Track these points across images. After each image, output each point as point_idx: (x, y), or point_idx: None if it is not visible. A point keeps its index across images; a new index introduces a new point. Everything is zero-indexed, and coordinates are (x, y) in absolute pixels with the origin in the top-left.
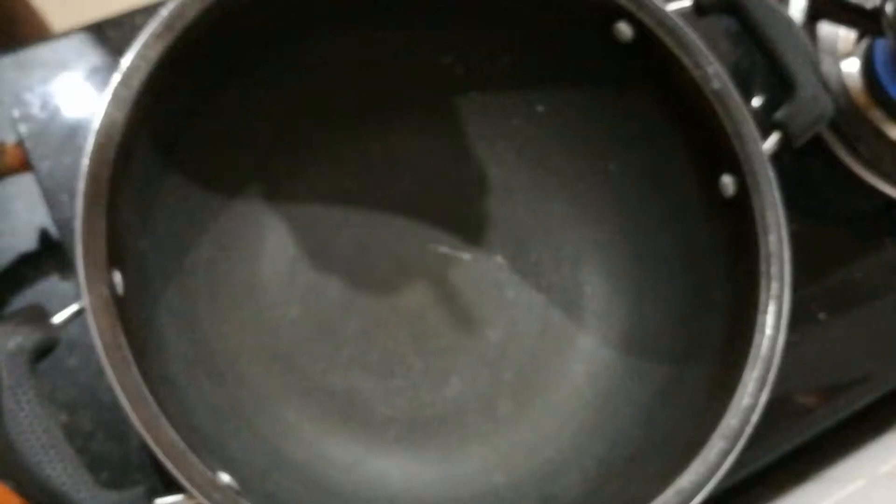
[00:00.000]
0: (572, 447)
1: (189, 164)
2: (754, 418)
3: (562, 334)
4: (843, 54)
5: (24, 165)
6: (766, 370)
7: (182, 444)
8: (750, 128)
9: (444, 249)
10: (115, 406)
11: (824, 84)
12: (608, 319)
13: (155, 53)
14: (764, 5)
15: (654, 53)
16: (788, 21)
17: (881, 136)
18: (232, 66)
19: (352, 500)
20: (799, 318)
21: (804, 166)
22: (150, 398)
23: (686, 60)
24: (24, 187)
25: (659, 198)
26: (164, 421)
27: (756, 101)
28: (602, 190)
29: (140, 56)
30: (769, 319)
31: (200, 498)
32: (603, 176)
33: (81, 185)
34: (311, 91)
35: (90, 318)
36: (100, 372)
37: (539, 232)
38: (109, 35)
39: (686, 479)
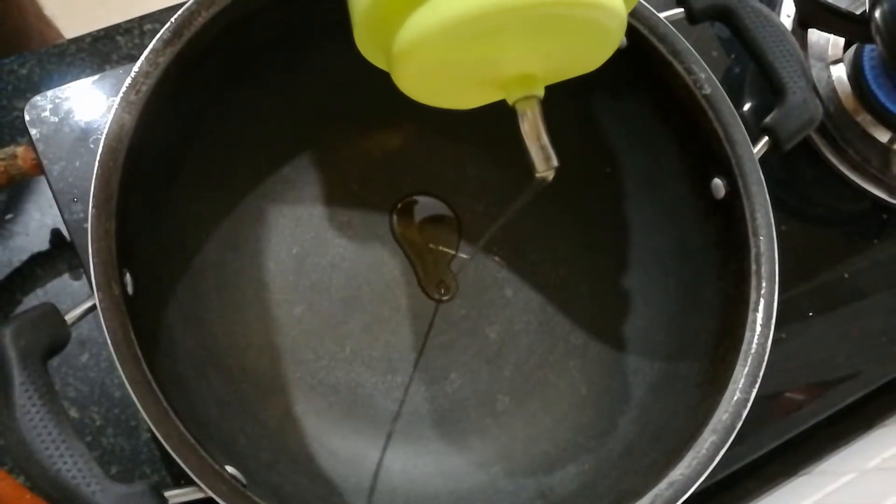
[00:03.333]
0: (568, 441)
1: (198, 166)
2: (745, 413)
3: (558, 331)
4: (833, 60)
5: (36, 168)
6: (757, 366)
7: (190, 439)
8: (740, 132)
9: (444, 249)
10: (125, 401)
11: (814, 89)
12: (603, 317)
13: (164, 59)
14: (755, 12)
15: (647, 60)
16: (779, 27)
17: (869, 139)
18: (239, 71)
19: (354, 491)
20: (788, 316)
21: (794, 169)
22: (159, 394)
23: (678, 66)
24: (36, 189)
25: (652, 199)
26: (172, 416)
27: (747, 106)
28: (597, 192)
29: (149, 61)
30: (759, 317)
31: (208, 491)
32: (598, 179)
33: (92, 188)
34: (316, 95)
35: (101, 317)
36: (110, 368)
37: (536, 233)
38: (119, 41)
39: (678, 472)
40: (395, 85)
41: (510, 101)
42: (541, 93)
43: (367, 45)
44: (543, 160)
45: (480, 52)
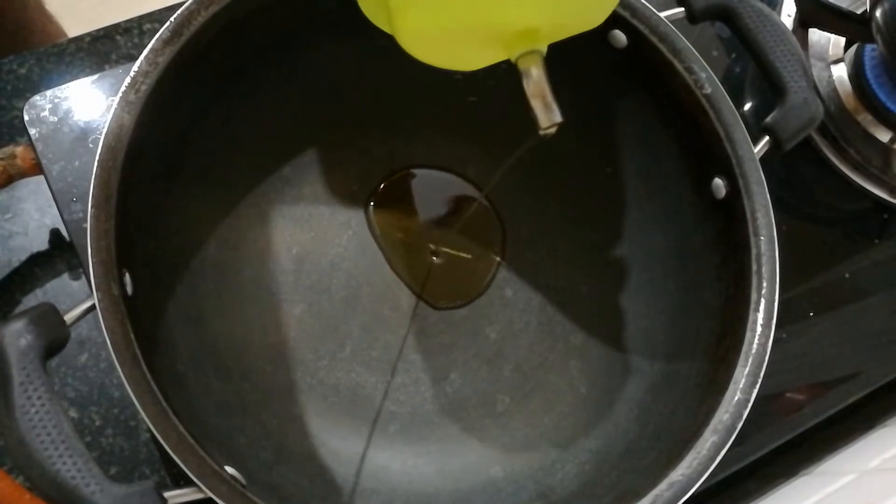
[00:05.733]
0: (569, 441)
1: (197, 166)
2: (745, 413)
3: (558, 331)
4: (833, 59)
5: (35, 168)
6: (757, 367)
7: (190, 439)
8: (741, 131)
9: (445, 249)
10: (125, 402)
11: (814, 88)
12: (603, 317)
13: (163, 59)
14: (755, 12)
15: (647, 59)
16: (779, 27)
17: (870, 138)
18: (239, 71)
19: (354, 491)
20: (789, 317)
21: (794, 169)
22: (158, 394)
23: (679, 66)
24: (35, 189)
25: (652, 199)
26: (172, 416)
27: (747, 106)
28: (597, 192)
29: (149, 61)
30: (760, 317)
31: (207, 491)
32: (598, 178)
33: (91, 188)
34: (316, 95)
35: (100, 317)
36: (109, 368)
37: (536, 232)
38: (118, 40)
39: (679, 473)
40: (401, 46)
41: (513, 58)
42: (544, 49)
43: (368, 3)
44: (547, 117)
45: (480, 5)
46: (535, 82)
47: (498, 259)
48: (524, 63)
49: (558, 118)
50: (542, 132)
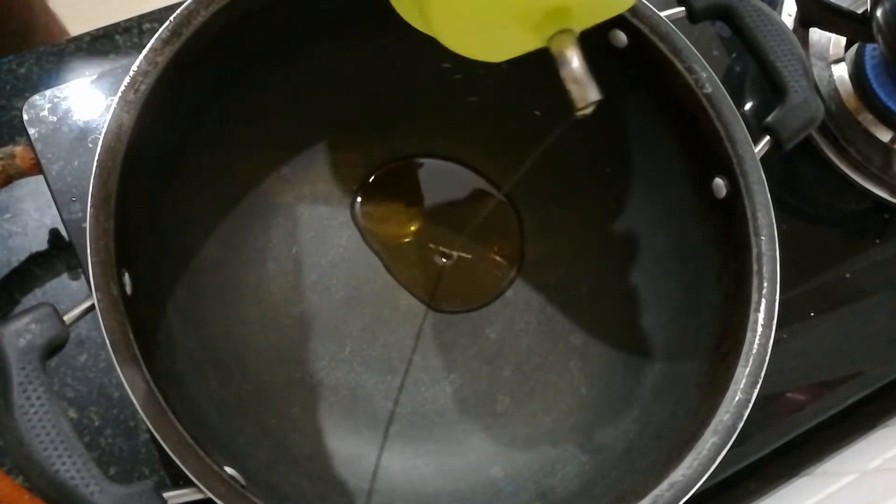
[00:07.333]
0: (568, 441)
1: (197, 166)
2: (746, 413)
3: (558, 331)
4: (834, 59)
5: (35, 168)
6: (758, 367)
7: (189, 439)
8: (741, 131)
9: (444, 249)
10: (124, 402)
11: (815, 88)
12: (603, 317)
13: (163, 58)
14: (756, 11)
15: (648, 59)
16: (780, 26)
17: (870, 138)
18: (238, 70)
19: (354, 491)
20: (790, 317)
21: (795, 168)
22: (158, 394)
23: (679, 65)
24: (34, 189)
25: (653, 199)
26: (171, 416)
27: (748, 105)
28: (598, 192)
29: (148, 61)
30: (760, 317)
31: (207, 491)
32: (599, 178)
33: (91, 187)
34: (315, 94)
35: (99, 317)
36: (108, 369)
37: (536, 232)
38: (117, 40)
39: (679, 473)
40: (435, 37)
41: (545, 40)
42: (577, 28)
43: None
44: (583, 96)
45: None
46: (571, 63)
47: (513, 271)
48: (558, 44)
49: (596, 96)
50: (578, 113)
